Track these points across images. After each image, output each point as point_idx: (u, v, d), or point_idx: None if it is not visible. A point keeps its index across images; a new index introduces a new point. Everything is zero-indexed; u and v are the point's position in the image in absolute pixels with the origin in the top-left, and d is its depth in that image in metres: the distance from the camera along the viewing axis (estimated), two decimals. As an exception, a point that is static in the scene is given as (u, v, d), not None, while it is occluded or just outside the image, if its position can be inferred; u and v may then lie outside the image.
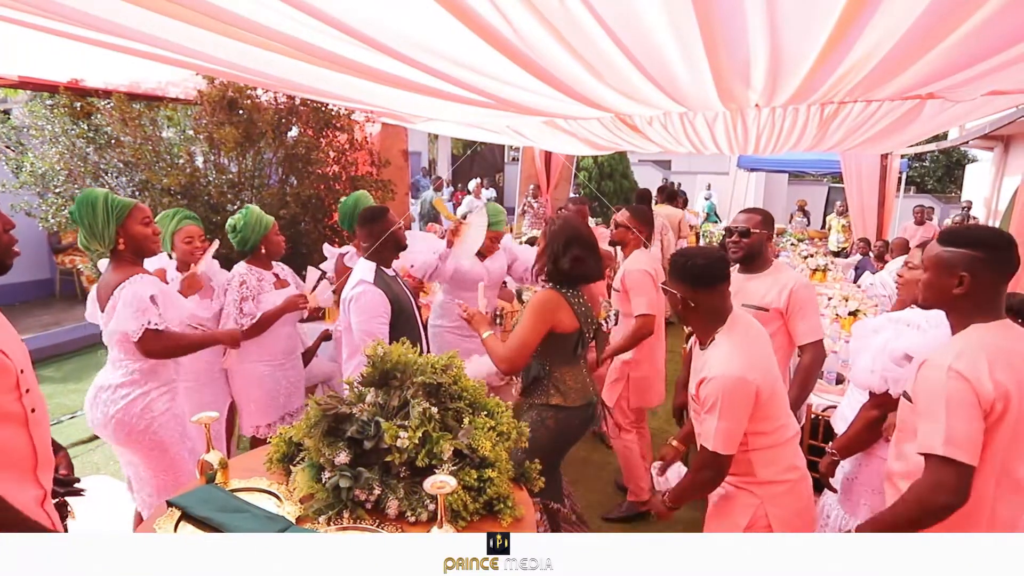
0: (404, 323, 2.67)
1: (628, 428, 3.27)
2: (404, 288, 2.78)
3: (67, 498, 1.66)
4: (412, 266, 3.31)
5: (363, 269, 2.67)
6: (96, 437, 2.43)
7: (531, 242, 5.18)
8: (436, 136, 16.78)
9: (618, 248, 3.86)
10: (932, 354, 1.53)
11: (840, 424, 2.32)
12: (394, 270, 2.80)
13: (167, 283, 2.50)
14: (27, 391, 1.40)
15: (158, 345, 2.16)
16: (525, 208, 9.80)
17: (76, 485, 1.70)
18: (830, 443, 2.20)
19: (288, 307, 2.83)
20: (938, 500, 1.43)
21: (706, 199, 14.95)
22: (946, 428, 1.41)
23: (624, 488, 3.53)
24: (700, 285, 1.83)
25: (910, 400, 1.58)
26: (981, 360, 1.42)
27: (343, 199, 3.34)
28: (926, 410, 1.47)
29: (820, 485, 2.27)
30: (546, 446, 2.31)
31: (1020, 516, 1.53)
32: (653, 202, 7.29)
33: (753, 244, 2.57)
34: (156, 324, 2.14)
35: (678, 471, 2.21)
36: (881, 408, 2.01)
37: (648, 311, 3.00)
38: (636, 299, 3.02)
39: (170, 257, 2.79)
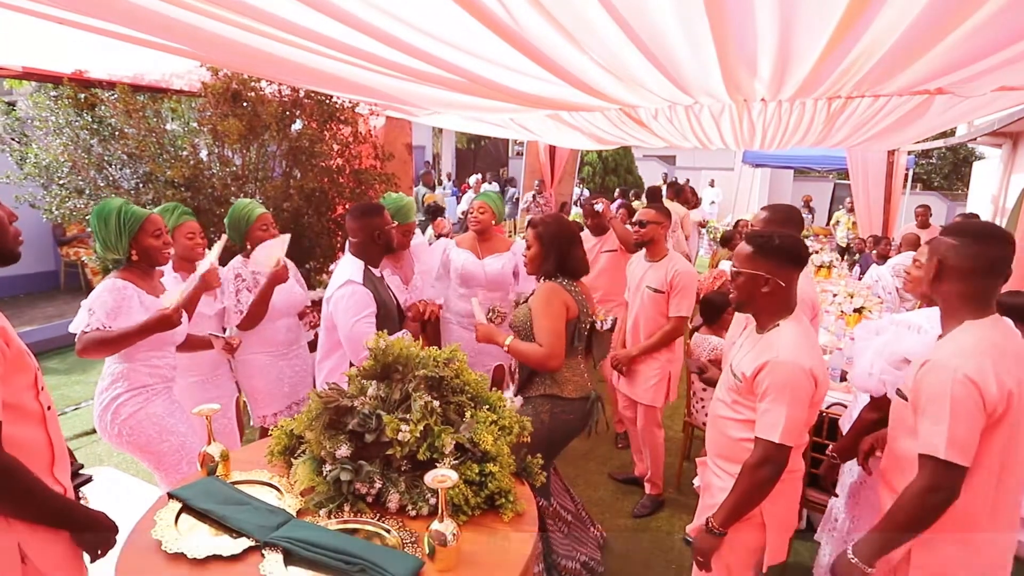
0: (386, 327, 2.52)
1: (661, 424, 3.30)
2: (389, 291, 2.70)
3: (79, 488, 1.68)
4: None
5: (350, 267, 2.55)
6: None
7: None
8: (440, 130, 16.75)
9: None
10: (935, 353, 1.50)
11: (847, 426, 2.31)
12: (381, 271, 2.72)
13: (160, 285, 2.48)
14: (42, 388, 1.41)
15: (82, 343, 2.11)
16: (530, 205, 9.76)
17: (82, 472, 1.72)
18: (830, 447, 2.19)
19: (272, 281, 2.79)
20: (934, 500, 1.43)
21: (712, 202, 14.90)
22: (949, 431, 1.40)
23: (621, 480, 3.61)
24: (789, 264, 1.78)
25: (904, 398, 1.57)
26: (987, 362, 1.41)
27: (389, 195, 3.31)
28: (929, 411, 1.45)
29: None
30: (541, 440, 2.28)
31: (1017, 514, 1.52)
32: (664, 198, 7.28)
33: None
34: (89, 327, 2.10)
35: None
36: (880, 411, 1.98)
37: (687, 314, 3.08)
38: (681, 301, 3.06)
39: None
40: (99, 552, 1.47)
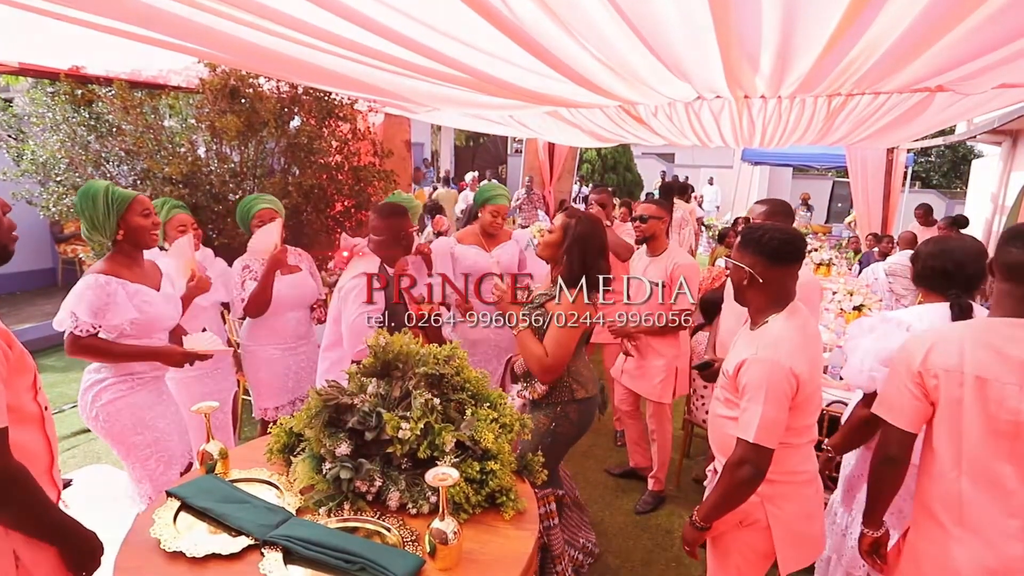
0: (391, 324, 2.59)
1: (671, 420, 3.30)
2: (397, 292, 2.72)
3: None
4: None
5: (367, 262, 2.60)
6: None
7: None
8: (439, 127, 16.70)
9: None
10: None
11: None
12: (393, 272, 2.73)
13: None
14: (39, 389, 1.41)
15: (75, 347, 2.09)
16: (522, 203, 9.71)
17: (63, 476, 1.70)
18: (826, 440, 2.19)
19: (272, 264, 2.80)
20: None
21: (716, 207, 14.92)
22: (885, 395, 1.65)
23: (618, 475, 3.63)
24: (776, 261, 1.73)
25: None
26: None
27: (398, 194, 3.32)
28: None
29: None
30: (571, 439, 2.34)
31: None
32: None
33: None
34: (81, 330, 2.07)
35: None
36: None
37: (696, 302, 3.12)
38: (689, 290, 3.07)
39: (162, 249, 2.72)
40: (84, 573, 1.43)
